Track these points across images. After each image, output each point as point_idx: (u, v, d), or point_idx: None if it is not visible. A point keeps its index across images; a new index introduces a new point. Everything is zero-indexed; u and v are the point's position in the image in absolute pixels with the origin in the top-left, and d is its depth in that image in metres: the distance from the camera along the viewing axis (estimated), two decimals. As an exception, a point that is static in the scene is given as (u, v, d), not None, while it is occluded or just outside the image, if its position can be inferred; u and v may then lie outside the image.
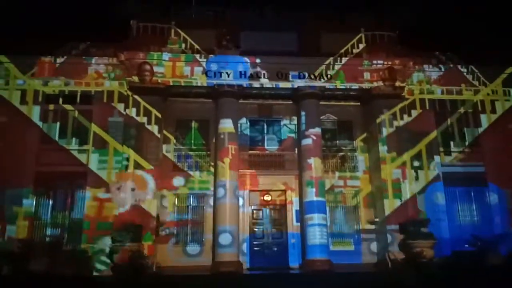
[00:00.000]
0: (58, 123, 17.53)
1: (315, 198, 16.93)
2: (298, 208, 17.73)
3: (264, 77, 17.79)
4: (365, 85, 18.11)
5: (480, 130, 18.85)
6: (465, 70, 19.21)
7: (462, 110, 19.01)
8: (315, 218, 16.70)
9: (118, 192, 16.39)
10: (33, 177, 16.46)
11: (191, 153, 18.24)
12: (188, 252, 17.00)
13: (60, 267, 13.62)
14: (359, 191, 18.31)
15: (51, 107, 17.56)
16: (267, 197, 18.18)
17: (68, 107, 17.62)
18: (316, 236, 16.48)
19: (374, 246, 17.53)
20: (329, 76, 18.00)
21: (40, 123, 17.23)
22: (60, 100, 17.59)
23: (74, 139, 17.38)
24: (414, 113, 18.44)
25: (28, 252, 14.08)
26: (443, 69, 19.15)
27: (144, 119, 17.09)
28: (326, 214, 17.17)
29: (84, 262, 14.25)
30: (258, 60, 17.80)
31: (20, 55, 17.49)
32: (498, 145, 18.31)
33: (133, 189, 16.28)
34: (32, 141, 16.91)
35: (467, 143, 18.79)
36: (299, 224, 17.53)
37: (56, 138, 17.32)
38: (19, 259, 13.82)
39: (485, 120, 18.94)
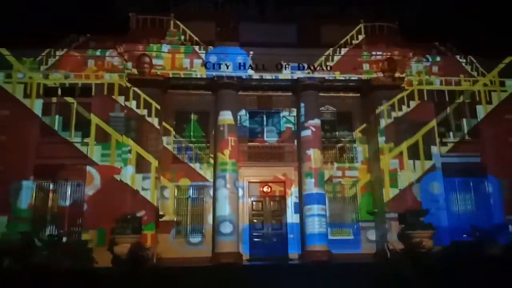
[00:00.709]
0: (57, 116, 17.16)
1: (314, 190, 16.70)
2: (297, 200, 17.49)
3: (263, 68, 17.46)
4: (365, 76, 17.75)
5: (478, 120, 18.48)
6: (464, 61, 18.81)
7: (461, 100, 18.56)
8: (315, 209, 16.47)
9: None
10: (32, 169, 16.24)
11: (191, 145, 17.98)
12: (188, 244, 16.81)
13: (60, 259, 13.46)
14: (357, 181, 18.07)
15: (52, 100, 17.20)
16: (267, 189, 18.00)
17: (69, 99, 17.27)
18: (315, 226, 16.27)
19: (372, 235, 17.38)
20: (328, 67, 17.62)
21: (40, 116, 16.92)
22: (59, 92, 17.22)
23: (74, 131, 16.98)
24: (414, 103, 18.08)
25: (29, 245, 13.91)
26: (442, 60, 18.72)
27: (144, 112, 16.80)
28: (325, 204, 16.98)
29: (84, 254, 14.05)
30: (257, 51, 17.45)
31: (20, 48, 17.11)
32: (495, 135, 18.00)
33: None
34: (32, 134, 16.59)
35: (465, 134, 18.41)
36: (298, 215, 17.30)
37: (57, 131, 16.98)
38: (21, 251, 13.66)
39: (482, 111, 18.55)
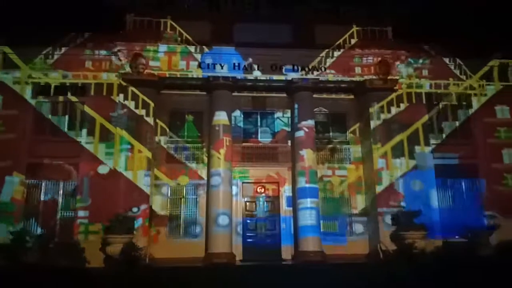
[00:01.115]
0: (50, 115, 16.89)
1: (307, 185, 16.57)
2: (291, 200, 17.26)
3: (257, 69, 17.25)
4: (359, 78, 17.55)
5: (471, 121, 18.44)
6: (453, 64, 18.66)
7: (452, 102, 18.47)
8: (307, 202, 16.34)
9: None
10: (25, 167, 16.02)
11: (187, 145, 17.65)
12: (181, 243, 16.42)
13: (53, 258, 13.24)
14: (349, 181, 17.89)
15: (48, 99, 16.95)
16: (260, 189, 17.81)
17: (65, 98, 17.05)
18: (307, 218, 16.16)
19: (359, 229, 17.35)
20: (323, 68, 17.49)
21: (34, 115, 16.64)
22: (52, 91, 16.89)
23: (67, 130, 16.73)
24: (406, 105, 17.82)
25: (20, 244, 13.66)
26: (433, 62, 18.56)
27: (139, 110, 16.60)
28: (318, 198, 16.70)
29: (76, 254, 13.83)
30: (252, 53, 17.21)
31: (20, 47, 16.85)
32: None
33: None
34: (25, 131, 16.38)
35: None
36: (291, 214, 17.09)
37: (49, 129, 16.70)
38: (12, 250, 13.42)
39: (469, 113, 18.55)
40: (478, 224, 16.38)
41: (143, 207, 15.69)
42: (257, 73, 17.30)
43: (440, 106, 18.49)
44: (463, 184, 17.80)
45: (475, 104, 18.58)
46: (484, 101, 18.57)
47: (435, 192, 17.20)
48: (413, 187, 16.89)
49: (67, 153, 16.27)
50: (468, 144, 17.99)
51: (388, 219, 16.16)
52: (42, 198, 16.21)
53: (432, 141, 18.06)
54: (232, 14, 17.75)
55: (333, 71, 17.53)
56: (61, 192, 16.29)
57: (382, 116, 17.46)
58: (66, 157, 16.31)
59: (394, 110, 17.66)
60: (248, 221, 17.33)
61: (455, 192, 17.75)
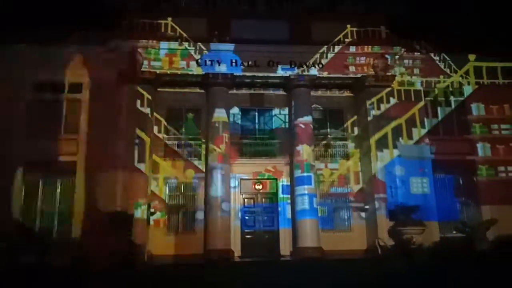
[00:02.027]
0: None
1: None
2: (288, 191, 17.28)
3: (255, 66, 17.03)
4: (356, 74, 17.46)
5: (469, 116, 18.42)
6: (444, 63, 18.61)
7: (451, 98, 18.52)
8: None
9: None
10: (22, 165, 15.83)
11: (188, 141, 17.61)
12: (180, 240, 16.32)
13: (51, 257, 13.14)
14: (349, 174, 17.91)
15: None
16: (258, 186, 17.69)
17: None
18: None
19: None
20: (320, 65, 17.34)
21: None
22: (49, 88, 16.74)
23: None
24: (400, 101, 17.81)
25: (19, 242, 13.55)
26: (429, 58, 18.49)
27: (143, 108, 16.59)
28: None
29: (74, 252, 13.69)
30: (249, 49, 16.98)
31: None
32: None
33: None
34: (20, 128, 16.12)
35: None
36: (289, 210, 17.07)
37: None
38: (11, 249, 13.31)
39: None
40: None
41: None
42: (254, 70, 17.06)
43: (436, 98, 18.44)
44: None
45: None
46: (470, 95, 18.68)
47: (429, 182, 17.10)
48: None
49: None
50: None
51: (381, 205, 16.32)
52: (40, 195, 16.16)
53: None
54: (229, 11, 17.46)
55: (330, 68, 17.33)
56: (59, 190, 16.22)
57: (379, 111, 17.34)
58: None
59: (389, 104, 17.53)
60: (247, 217, 17.20)
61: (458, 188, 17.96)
